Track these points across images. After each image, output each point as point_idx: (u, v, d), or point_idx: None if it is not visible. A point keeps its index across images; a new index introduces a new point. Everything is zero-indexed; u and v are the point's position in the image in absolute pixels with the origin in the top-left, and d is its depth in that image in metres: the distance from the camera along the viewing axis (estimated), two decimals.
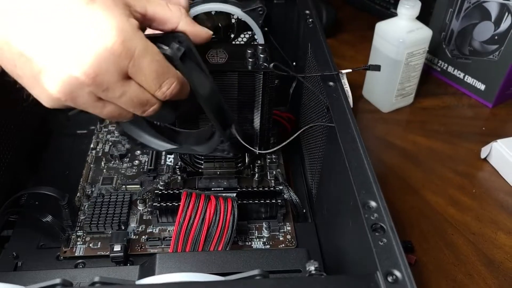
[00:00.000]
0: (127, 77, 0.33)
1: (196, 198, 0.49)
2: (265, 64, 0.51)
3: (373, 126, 0.80)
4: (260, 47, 0.52)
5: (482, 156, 0.72)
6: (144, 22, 0.35)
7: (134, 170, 0.62)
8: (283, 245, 0.54)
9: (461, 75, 0.86)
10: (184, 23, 0.37)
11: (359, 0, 1.09)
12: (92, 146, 0.66)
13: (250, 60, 0.51)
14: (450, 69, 0.87)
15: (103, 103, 0.34)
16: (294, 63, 0.68)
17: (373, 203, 0.35)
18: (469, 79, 0.85)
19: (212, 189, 0.57)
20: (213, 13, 0.62)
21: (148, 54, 0.33)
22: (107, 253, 0.52)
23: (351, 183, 0.37)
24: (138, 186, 0.60)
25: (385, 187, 0.70)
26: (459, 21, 0.82)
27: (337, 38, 1.01)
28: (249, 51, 0.52)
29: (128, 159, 0.64)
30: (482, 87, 0.83)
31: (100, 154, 0.64)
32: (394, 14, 0.76)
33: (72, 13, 0.30)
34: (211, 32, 0.40)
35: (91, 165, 0.63)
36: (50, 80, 0.31)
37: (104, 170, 0.62)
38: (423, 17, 0.74)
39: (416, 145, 0.76)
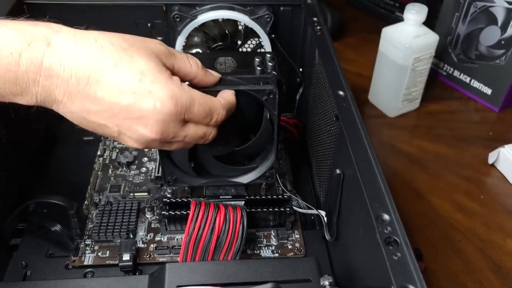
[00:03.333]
0: (185, 122, 0.41)
1: (206, 208, 0.49)
2: (273, 72, 0.51)
3: (379, 131, 0.80)
4: (268, 55, 0.52)
5: (490, 161, 0.72)
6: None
7: (141, 178, 0.62)
8: (292, 253, 0.54)
9: (467, 79, 0.85)
10: (200, 76, 0.44)
11: (363, 3, 1.09)
12: (99, 153, 0.65)
13: (258, 68, 0.51)
14: (456, 73, 0.87)
15: (171, 143, 0.42)
16: (301, 69, 0.68)
17: (386, 216, 0.35)
18: (476, 83, 0.84)
19: (220, 196, 0.57)
20: (220, 20, 0.62)
21: (195, 102, 0.40)
22: (116, 262, 0.52)
23: (364, 196, 0.37)
24: (146, 193, 0.60)
25: (391, 192, 0.70)
26: (465, 25, 0.82)
27: (341, 41, 1.01)
28: (257, 59, 0.51)
29: (135, 166, 0.64)
30: (488, 91, 0.82)
31: (107, 161, 0.64)
32: (398, 17, 0.77)
33: (134, 92, 0.37)
34: (220, 76, 0.47)
35: (98, 173, 0.63)
36: (127, 139, 0.40)
37: (112, 178, 0.62)
38: (429, 20, 0.74)
39: (422, 150, 0.76)
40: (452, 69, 0.88)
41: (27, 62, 0.35)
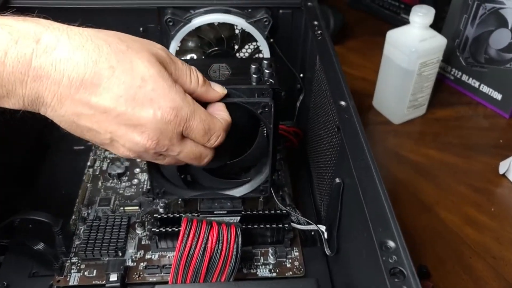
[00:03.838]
0: (182, 136, 0.39)
1: (197, 226, 0.46)
2: (270, 80, 0.48)
3: (384, 139, 0.76)
4: (266, 62, 0.49)
5: (501, 171, 0.68)
6: None
7: (133, 190, 0.59)
8: (291, 272, 0.51)
9: (476, 84, 0.82)
10: (199, 93, 0.41)
11: (367, 5, 1.06)
12: (89, 163, 0.62)
13: (254, 76, 0.47)
14: (465, 77, 0.83)
15: (164, 157, 0.40)
16: (301, 75, 0.65)
17: (391, 243, 0.32)
18: (485, 88, 0.81)
19: (215, 211, 0.54)
20: (216, 24, 0.59)
21: (196, 116, 0.38)
22: (103, 282, 0.49)
23: (366, 219, 0.33)
24: (137, 207, 0.57)
25: (396, 204, 0.66)
26: (474, 27, 0.78)
27: (344, 45, 0.98)
28: (253, 66, 0.48)
29: (126, 178, 0.61)
30: (498, 96, 0.79)
31: (97, 173, 0.61)
32: (404, 19, 0.73)
33: (133, 98, 0.35)
34: (225, 92, 0.43)
35: (88, 185, 0.60)
36: (119, 146, 0.38)
37: (102, 190, 0.59)
38: (436, 22, 0.70)
39: (429, 158, 0.72)
40: (460, 73, 0.84)
41: (13, 61, 0.32)
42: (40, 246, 0.49)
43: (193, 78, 0.40)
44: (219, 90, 0.43)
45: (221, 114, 0.43)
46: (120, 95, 0.35)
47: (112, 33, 0.37)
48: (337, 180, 0.41)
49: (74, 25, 0.35)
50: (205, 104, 0.42)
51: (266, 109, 0.46)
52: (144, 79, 0.35)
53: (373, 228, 0.32)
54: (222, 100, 0.44)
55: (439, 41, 0.71)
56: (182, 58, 0.60)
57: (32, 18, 0.34)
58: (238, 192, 0.53)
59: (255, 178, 0.53)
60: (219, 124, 0.41)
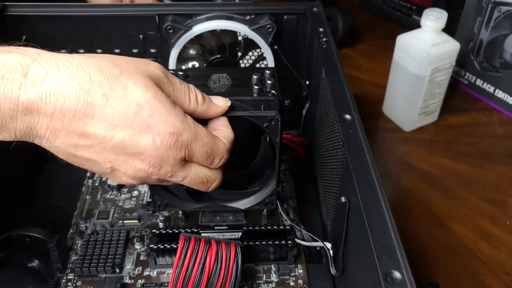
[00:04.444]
0: (185, 161, 0.37)
1: (195, 244, 0.44)
2: (272, 91, 0.45)
3: (394, 147, 0.74)
4: (268, 72, 0.47)
5: None
6: None
7: (132, 202, 0.58)
8: None
9: (491, 89, 0.79)
10: (200, 112, 0.39)
11: (377, 6, 1.03)
12: (88, 174, 0.61)
13: (256, 87, 0.45)
14: (479, 82, 0.80)
15: (169, 181, 0.39)
16: (307, 82, 0.63)
17: (397, 274, 0.29)
18: (500, 94, 0.77)
19: (216, 227, 0.52)
20: (218, 31, 0.57)
21: (198, 140, 0.36)
22: None
23: (371, 245, 0.31)
24: (136, 221, 0.55)
25: (406, 216, 0.64)
26: (488, 31, 0.75)
27: (354, 48, 0.95)
28: (255, 77, 0.46)
29: (126, 190, 0.59)
30: None
31: (97, 184, 0.60)
32: (416, 21, 0.70)
33: (130, 126, 0.33)
34: (228, 104, 0.41)
35: (87, 197, 0.58)
36: (121, 175, 0.36)
37: (101, 202, 0.58)
38: (448, 24, 0.67)
39: (441, 168, 0.69)
40: (474, 77, 0.81)
41: (1, 98, 0.30)
42: (35, 263, 0.48)
43: (192, 97, 0.38)
44: (222, 103, 0.41)
45: (223, 131, 0.40)
46: (115, 124, 0.33)
47: (105, 57, 0.35)
48: (343, 199, 0.39)
49: (64, 52, 0.34)
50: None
51: (273, 123, 0.43)
52: (140, 105, 0.33)
53: (377, 256, 0.30)
54: (225, 113, 0.41)
55: (452, 46, 0.68)
56: (183, 67, 0.59)
57: (18, 48, 0.32)
58: (242, 204, 0.51)
59: (260, 191, 0.51)
60: (222, 146, 0.39)
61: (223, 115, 0.41)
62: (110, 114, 0.33)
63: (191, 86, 0.39)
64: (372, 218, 0.33)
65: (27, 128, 0.32)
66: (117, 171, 0.36)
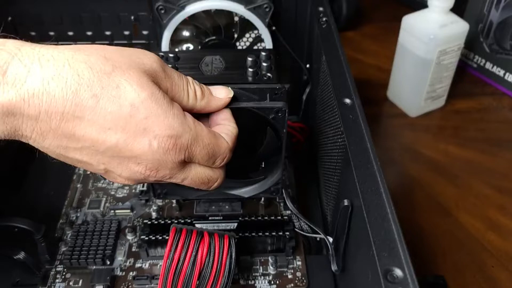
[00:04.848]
0: (185, 162, 0.35)
1: (187, 236, 0.42)
2: (268, 74, 0.43)
3: (399, 133, 0.71)
4: (264, 53, 0.44)
5: None
6: None
7: (125, 191, 0.55)
8: (292, 284, 0.47)
9: (501, 73, 0.75)
10: (199, 107, 0.36)
11: None
12: None
13: (251, 70, 0.43)
14: (488, 65, 0.77)
15: (167, 182, 0.36)
16: (307, 66, 0.60)
17: (398, 272, 0.27)
18: (511, 77, 0.74)
19: (210, 217, 0.49)
20: (212, 11, 0.54)
21: (199, 142, 0.34)
22: None
23: (369, 240, 0.29)
24: (129, 210, 0.53)
25: (411, 206, 0.62)
26: (499, 11, 0.72)
27: (358, 31, 0.91)
28: (250, 59, 0.43)
29: None
30: None
31: (88, 172, 0.58)
32: (423, 2, 0.67)
33: (123, 129, 0.31)
34: (230, 95, 0.38)
35: (78, 185, 0.56)
36: (116, 177, 0.34)
37: (92, 191, 0.55)
38: (457, 3, 0.64)
39: (449, 155, 0.67)
40: (483, 60, 0.78)
41: None
42: (21, 255, 0.46)
43: (191, 92, 0.35)
44: (223, 95, 0.38)
45: (226, 125, 0.37)
46: (107, 127, 0.30)
47: (96, 49, 0.31)
48: (346, 202, 0.36)
49: (48, 43, 0.30)
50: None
51: (279, 114, 0.41)
52: (135, 106, 0.30)
53: (376, 252, 0.28)
54: (228, 105, 0.38)
55: (460, 27, 0.65)
56: (177, 49, 0.56)
57: None
58: (246, 192, 0.48)
59: (265, 179, 0.48)
60: (224, 145, 0.36)
61: (226, 107, 0.38)
62: (101, 117, 0.30)
63: (190, 79, 0.36)
64: (371, 210, 0.30)
65: (11, 129, 0.29)
66: (112, 173, 0.34)
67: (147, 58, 0.33)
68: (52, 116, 0.29)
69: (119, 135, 0.31)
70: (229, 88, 0.38)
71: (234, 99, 0.39)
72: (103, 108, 0.30)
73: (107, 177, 0.35)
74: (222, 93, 0.38)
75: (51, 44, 0.30)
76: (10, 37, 0.29)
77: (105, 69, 0.30)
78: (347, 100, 0.38)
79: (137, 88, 0.30)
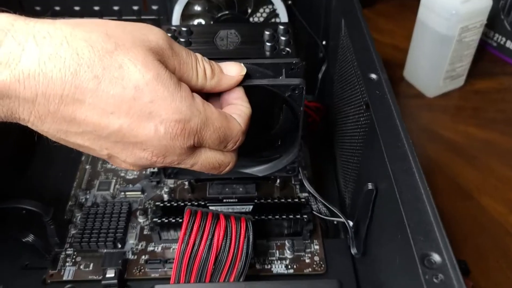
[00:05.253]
0: (194, 147, 0.32)
1: (202, 219, 0.40)
2: (287, 49, 0.40)
3: (416, 114, 0.69)
4: (282, 27, 0.42)
5: None
6: None
7: (135, 173, 0.54)
8: (310, 269, 0.45)
9: None
10: (210, 87, 0.34)
11: None
12: None
13: (269, 44, 0.40)
14: (509, 44, 0.74)
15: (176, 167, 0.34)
16: (324, 42, 0.57)
17: (436, 257, 0.25)
18: None
19: (224, 200, 0.48)
20: None
21: (209, 126, 0.32)
22: (99, 278, 0.44)
23: (403, 223, 0.27)
24: (139, 192, 0.52)
25: (430, 188, 0.60)
26: None
27: (373, 8, 0.88)
28: (267, 33, 0.41)
29: None
30: None
31: None
32: None
33: (127, 113, 0.28)
34: (243, 72, 0.35)
35: (87, 166, 0.54)
36: (120, 162, 0.32)
37: (102, 173, 0.54)
38: None
39: (469, 137, 0.64)
40: (504, 39, 0.75)
41: None
42: (30, 238, 0.44)
43: (200, 71, 0.33)
44: (235, 72, 0.35)
45: (238, 106, 0.35)
46: (110, 111, 0.28)
47: (96, 25, 0.29)
48: (370, 186, 0.34)
49: (44, 17, 0.27)
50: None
51: (296, 92, 0.38)
52: (139, 88, 0.28)
53: (412, 237, 0.26)
54: (241, 83, 0.36)
55: (483, 2, 0.62)
56: (190, 24, 0.54)
57: None
58: (261, 171, 0.46)
59: (281, 158, 0.46)
60: (237, 128, 0.34)
61: (238, 85, 0.36)
62: (103, 100, 0.28)
63: (199, 56, 0.33)
64: (404, 192, 0.28)
65: (7, 112, 0.27)
66: (116, 158, 0.32)
67: (153, 34, 0.30)
68: (50, 99, 0.26)
69: (123, 119, 0.28)
70: (242, 64, 0.36)
71: (247, 76, 0.36)
72: (105, 91, 0.27)
73: (112, 162, 0.33)
74: (233, 71, 0.35)
75: (47, 19, 0.27)
76: (2, 11, 0.27)
77: (107, 48, 0.28)
78: (373, 76, 0.36)
79: (141, 69, 0.28)
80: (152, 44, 0.30)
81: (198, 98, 0.31)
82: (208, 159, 0.34)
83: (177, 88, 0.30)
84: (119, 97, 0.28)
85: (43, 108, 0.27)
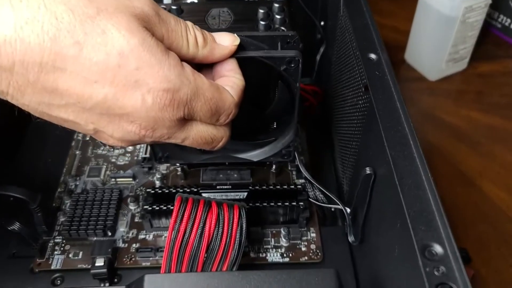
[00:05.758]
0: (185, 120, 0.31)
1: (193, 206, 0.38)
2: (282, 28, 0.38)
3: (418, 98, 0.67)
4: (276, 5, 0.40)
5: None
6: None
7: (126, 159, 0.52)
8: (306, 257, 0.44)
9: None
10: (201, 57, 0.32)
11: None
12: None
13: (263, 23, 0.38)
14: None
15: (165, 142, 0.33)
16: (322, 23, 0.55)
17: (438, 248, 0.23)
18: None
19: (218, 186, 0.46)
20: None
21: (200, 96, 0.30)
22: (88, 266, 0.42)
23: (402, 212, 0.25)
24: (131, 179, 0.50)
25: (431, 175, 0.58)
26: None
27: None
28: (261, 11, 0.39)
29: None
30: None
31: (87, 138, 0.54)
32: None
33: (112, 82, 0.27)
34: (237, 43, 0.33)
35: (76, 152, 0.53)
36: (107, 137, 0.30)
37: (92, 158, 0.52)
38: None
39: (471, 122, 0.63)
40: (509, 20, 0.72)
41: None
42: (15, 226, 0.43)
43: (191, 39, 0.31)
44: (228, 42, 0.33)
45: (231, 78, 0.33)
46: (93, 80, 0.26)
47: None
48: (368, 170, 0.32)
49: None
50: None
51: (292, 65, 0.36)
52: (124, 55, 0.26)
53: (412, 226, 0.24)
54: (234, 54, 0.34)
55: None
56: (181, 2, 0.52)
57: None
58: (256, 156, 0.44)
59: (276, 141, 0.44)
60: (229, 99, 0.32)
61: (231, 56, 0.34)
62: (86, 68, 0.26)
63: (189, 24, 0.31)
64: (404, 178, 0.27)
65: None
66: (102, 133, 0.30)
67: (138, 1, 0.28)
68: (28, 67, 0.25)
69: (107, 88, 0.27)
70: (235, 34, 0.34)
71: (240, 47, 0.34)
72: (88, 58, 0.25)
73: (98, 138, 0.31)
74: (227, 40, 0.33)
75: None
76: None
77: (88, 12, 0.26)
78: (373, 55, 0.34)
79: (126, 34, 0.26)
80: (137, 11, 0.28)
81: (188, 67, 0.30)
82: (200, 133, 0.33)
83: (165, 56, 0.28)
84: (102, 65, 0.26)
85: (22, 78, 0.25)
